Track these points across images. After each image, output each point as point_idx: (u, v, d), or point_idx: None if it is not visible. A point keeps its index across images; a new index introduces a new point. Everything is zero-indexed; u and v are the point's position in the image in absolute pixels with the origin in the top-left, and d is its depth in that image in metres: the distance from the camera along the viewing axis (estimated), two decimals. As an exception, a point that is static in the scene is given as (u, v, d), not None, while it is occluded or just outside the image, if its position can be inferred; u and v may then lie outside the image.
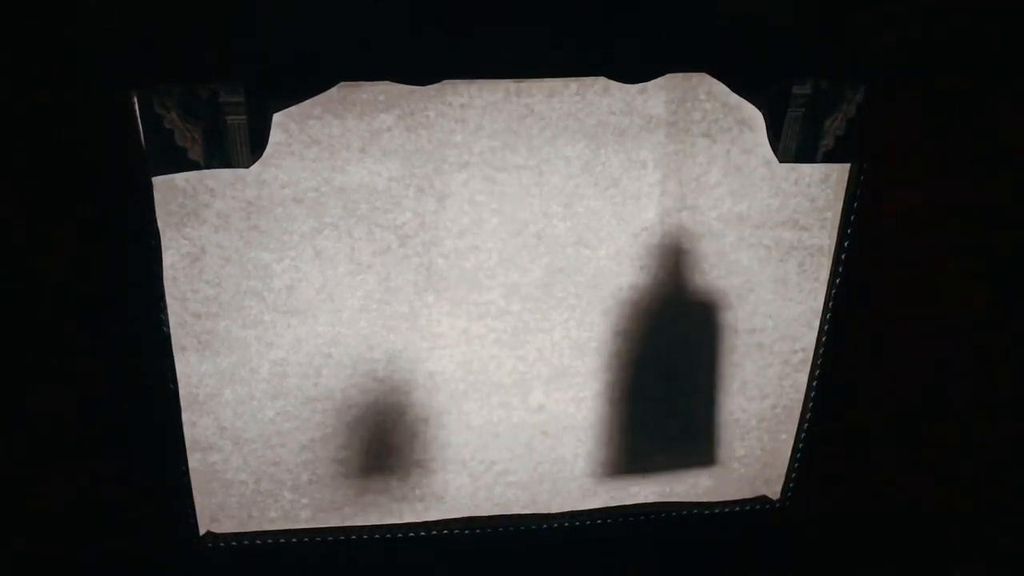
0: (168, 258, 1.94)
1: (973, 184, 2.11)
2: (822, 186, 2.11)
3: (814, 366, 2.31)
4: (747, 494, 2.49)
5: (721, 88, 1.93)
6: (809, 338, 2.28)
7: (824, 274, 2.20)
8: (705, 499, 2.48)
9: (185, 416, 2.12)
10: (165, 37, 1.71)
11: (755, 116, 1.98)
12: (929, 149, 2.06)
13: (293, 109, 1.83)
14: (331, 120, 1.88)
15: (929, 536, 2.64)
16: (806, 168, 2.08)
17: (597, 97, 1.93)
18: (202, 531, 2.28)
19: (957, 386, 2.39)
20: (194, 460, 2.18)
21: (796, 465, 2.44)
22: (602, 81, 1.91)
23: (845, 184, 2.08)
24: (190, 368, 2.08)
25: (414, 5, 1.75)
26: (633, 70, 1.88)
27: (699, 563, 2.60)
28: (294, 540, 2.34)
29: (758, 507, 2.50)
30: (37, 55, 1.69)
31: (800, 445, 2.41)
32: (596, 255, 2.11)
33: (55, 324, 1.96)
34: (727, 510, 2.50)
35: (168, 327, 1.99)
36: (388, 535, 2.38)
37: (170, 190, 1.88)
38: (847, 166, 2.06)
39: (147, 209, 1.86)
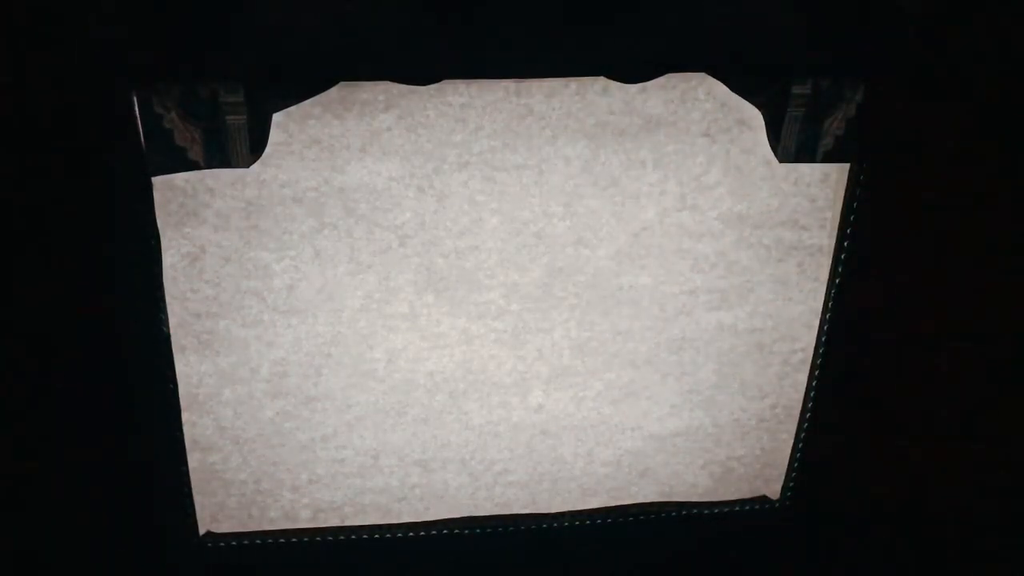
0: (168, 258, 1.94)
1: (973, 184, 2.11)
2: (822, 186, 2.11)
3: (814, 366, 2.31)
4: (747, 494, 2.49)
5: (721, 88, 1.93)
6: (809, 338, 2.28)
7: (824, 274, 2.20)
8: (705, 499, 2.48)
9: (185, 416, 2.12)
10: (165, 37, 1.71)
11: (755, 116, 1.98)
12: (929, 149, 2.06)
13: (293, 109, 1.83)
14: (331, 120, 1.88)
15: (929, 536, 2.64)
16: (806, 168, 2.08)
17: (597, 97, 1.93)
18: (202, 531, 2.28)
19: (957, 386, 2.39)
20: (194, 460, 2.18)
21: (796, 465, 2.44)
22: (602, 81, 1.91)
23: (845, 184, 2.08)
24: (190, 368, 2.08)
25: (414, 5, 1.74)
26: (633, 70, 1.88)
27: (699, 563, 2.60)
28: (294, 540, 2.34)
29: (758, 507, 2.50)
30: (37, 54, 1.69)
31: (800, 445, 2.41)
32: (596, 255, 2.11)
33: (55, 324, 1.96)
34: (727, 510, 2.50)
35: (168, 327, 1.99)
36: (388, 535, 2.38)
37: (170, 190, 1.88)
38: (847, 166, 2.06)
39: (147, 209, 1.86)
